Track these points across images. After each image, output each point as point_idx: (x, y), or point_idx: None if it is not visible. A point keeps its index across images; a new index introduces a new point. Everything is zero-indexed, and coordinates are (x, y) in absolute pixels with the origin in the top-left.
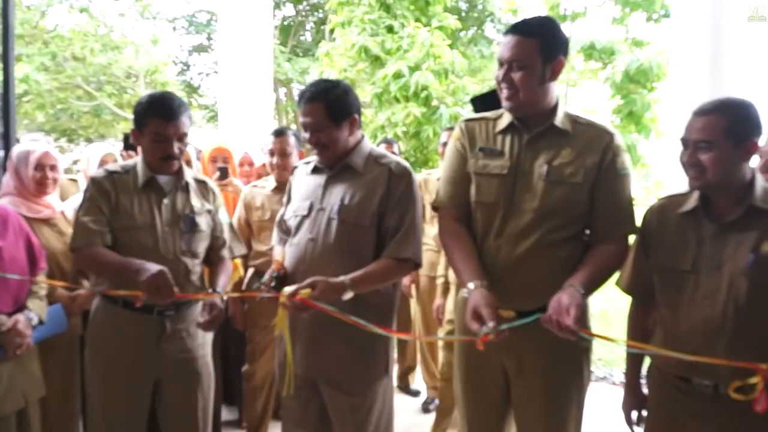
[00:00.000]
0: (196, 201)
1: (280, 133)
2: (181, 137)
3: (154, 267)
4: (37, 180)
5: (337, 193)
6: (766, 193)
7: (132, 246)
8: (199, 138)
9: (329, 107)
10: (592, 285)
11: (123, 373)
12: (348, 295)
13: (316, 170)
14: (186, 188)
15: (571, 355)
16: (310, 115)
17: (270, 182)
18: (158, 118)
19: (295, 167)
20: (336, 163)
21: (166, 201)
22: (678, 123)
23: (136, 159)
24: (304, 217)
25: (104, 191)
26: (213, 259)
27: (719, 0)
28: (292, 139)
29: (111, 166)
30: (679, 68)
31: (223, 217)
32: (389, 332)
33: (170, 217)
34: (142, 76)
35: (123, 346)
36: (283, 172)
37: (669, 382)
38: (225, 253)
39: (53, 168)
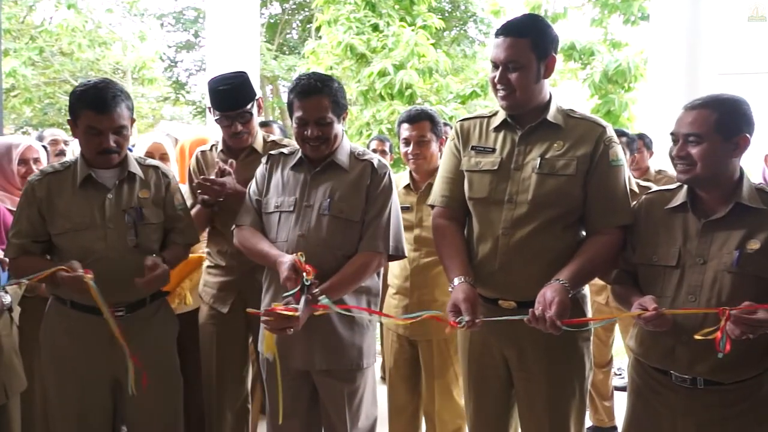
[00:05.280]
0: (143, 192)
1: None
2: (118, 130)
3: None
4: (22, 174)
5: (324, 190)
6: (753, 191)
7: (72, 249)
8: (185, 133)
9: (333, 101)
10: (581, 277)
11: (76, 373)
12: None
13: (297, 166)
14: (132, 179)
15: (572, 344)
16: (319, 110)
17: None
18: (90, 110)
19: (270, 155)
20: (321, 159)
21: (110, 196)
22: (654, 122)
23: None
24: (289, 213)
25: (34, 198)
26: (165, 246)
27: (696, 3)
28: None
29: (47, 166)
30: (657, 69)
31: (177, 201)
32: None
33: (115, 213)
34: (130, 72)
35: (73, 347)
36: None
37: (649, 374)
38: (176, 238)
39: (36, 161)
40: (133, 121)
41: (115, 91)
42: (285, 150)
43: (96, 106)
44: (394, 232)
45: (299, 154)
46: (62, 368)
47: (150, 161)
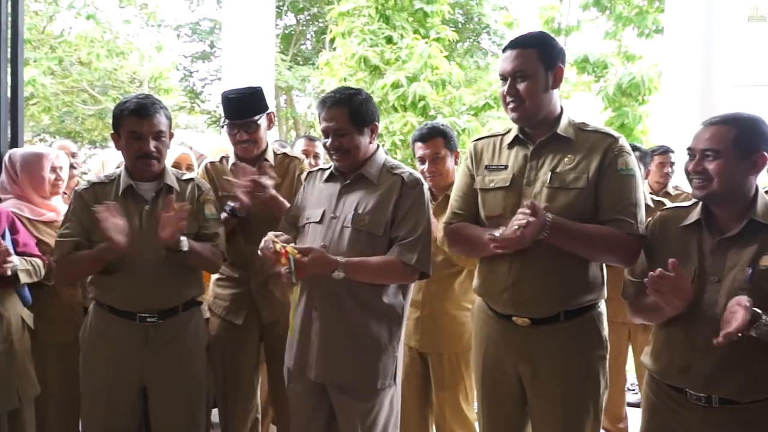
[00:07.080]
0: (177, 204)
1: (312, 138)
2: (157, 135)
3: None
4: (52, 182)
5: (351, 202)
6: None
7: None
8: (200, 143)
9: (352, 112)
10: (566, 227)
11: (105, 375)
12: (338, 275)
13: (330, 178)
14: (169, 192)
15: (587, 362)
16: (334, 120)
17: None
18: (132, 116)
19: (309, 172)
20: (352, 172)
21: (147, 207)
22: (668, 135)
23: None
24: (316, 224)
25: (84, 203)
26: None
27: (710, 18)
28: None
29: (95, 177)
30: (671, 82)
31: (209, 212)
32: None
33: (150, 224)
34: (146, 82)
35: (106, 350)
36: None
37: (664, 392)
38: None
39: (61, 169)
40: (171, 135)
41: (155, 101)
42: (324, 166)
43: (137, 112)
44: (428, 250)
45: (332, 168)
46: (94, 369)
47: (187, 175)
